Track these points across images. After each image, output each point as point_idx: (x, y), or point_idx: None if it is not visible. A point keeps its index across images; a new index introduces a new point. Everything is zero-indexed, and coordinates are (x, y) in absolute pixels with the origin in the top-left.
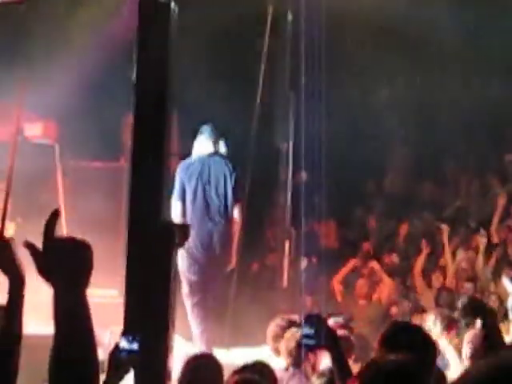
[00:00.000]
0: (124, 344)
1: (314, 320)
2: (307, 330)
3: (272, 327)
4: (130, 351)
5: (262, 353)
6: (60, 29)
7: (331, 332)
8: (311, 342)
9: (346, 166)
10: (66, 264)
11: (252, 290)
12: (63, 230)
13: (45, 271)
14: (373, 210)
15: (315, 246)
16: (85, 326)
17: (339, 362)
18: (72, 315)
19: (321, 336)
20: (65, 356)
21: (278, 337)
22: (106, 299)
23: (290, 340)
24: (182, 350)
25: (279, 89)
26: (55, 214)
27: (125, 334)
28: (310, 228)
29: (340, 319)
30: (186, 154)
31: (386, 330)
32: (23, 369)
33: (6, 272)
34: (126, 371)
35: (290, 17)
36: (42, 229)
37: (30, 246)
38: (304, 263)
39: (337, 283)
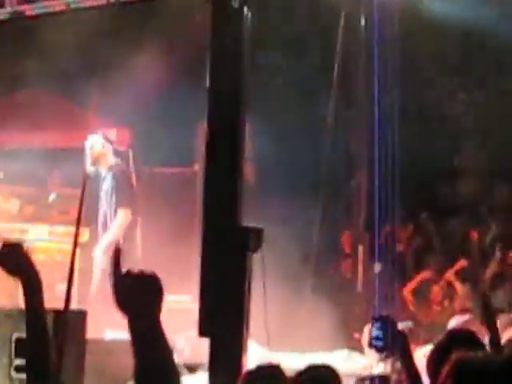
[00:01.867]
0: None
1: (383, 322)
2: (376, 332)
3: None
4: None
5: (336, 357)
6: (134, 37)
7: (401, 335)
8: (380, 343)
9: (421, 170)
10: (136, 299)
11: (327, 295)
12: (137, 236)
13: (117, 303)
14: (447, 215)
15: (390, 250)
16: (162, 354)
17: (408, 365)
18: (147, 345)
19: (389, 338)
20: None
21: None
22: (180, 305)
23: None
24: (256, 354)
25: (353, 92)
26: (118, 251)
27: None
28: (385, 232)
29: (408, 324)
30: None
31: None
32: (101, 374)
33: (16, 274)
34: None
35: (362, 21)
36: None
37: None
38: (378, 268)
39: (407, 293)
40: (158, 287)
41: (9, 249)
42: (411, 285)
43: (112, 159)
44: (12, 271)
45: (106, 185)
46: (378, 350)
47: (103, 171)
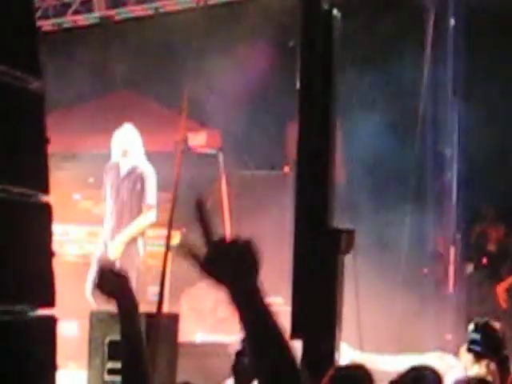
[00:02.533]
0: None
1: (482, 327)
2: (474, 336)
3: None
4: None
5: (428, 359)
6: (223, 39)
7: (497, 338)
8: (477, 348)
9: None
10: (234, 265)
11: (419, 297)
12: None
13: (212, 274)
14: None
15: (482, 251)
16: (269, 322)
17: (503, 371)
18: (250, 312)
19: (487, 343)
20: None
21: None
22: (272, 307)
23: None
24: (348, 356)
25: (442, 93)
26: (201, 207)
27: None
28: (477, 233)
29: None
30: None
31: None
32: (192, 377)
33: (114, 298)
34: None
35: (452, 21)
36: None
37: (191, 253)
38: (470, 269)
39: (502, 291)
40: (256, 254)
41: (108, 274)
42: (505, 283)
43: (141, 154)
44: (110, 295)
45: (132, 180)
46: (476, 353)
47: (129, 164)
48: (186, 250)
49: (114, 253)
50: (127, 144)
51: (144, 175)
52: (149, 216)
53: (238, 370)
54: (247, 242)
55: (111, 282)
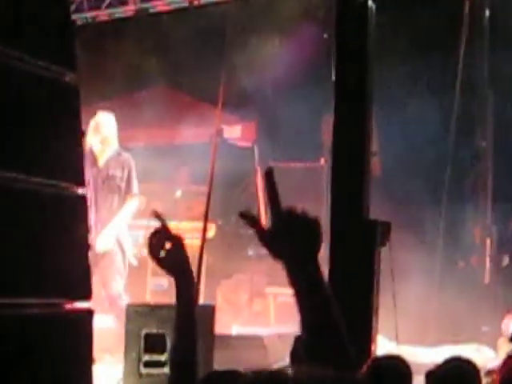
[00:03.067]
0: None
1: None
2: None
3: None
4: None
5: (465, 351)
6: (256, 30)
7: None
8: None
9: None
10: (297, 239)
11: (456, 288)
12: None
13: (273, 246)
14: None
15: None
16: (329, 301)
17: None
18: (312, 292)
19: None
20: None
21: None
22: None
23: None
24: (385, 348)
25: (478, 87)
26: (270, 175)
27: None
28: None
29: None
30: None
31: None
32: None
33: (173, 272)
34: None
35: (487, 12)
36: (240, 231)
37: (254, 220)
38: (506, 261)
39: None
40: (320, 233)
41: (173, 247)
42: None
43: (117, 144)
44: (170, 270)
45: (113, 167)
46: None
47: (107, 154)
48: (250, 216)
49: (104, 247)
50: (107, 131)
51: (128, 163)
52: (134, 204)
53: (295, 356)
54: (314, 218)
55: (175, 256)
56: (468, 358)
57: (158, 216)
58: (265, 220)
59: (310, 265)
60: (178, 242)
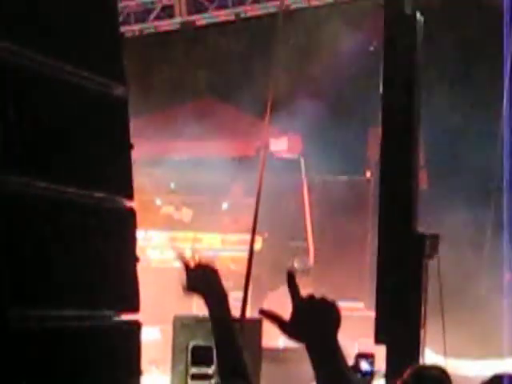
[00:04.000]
0: (364, 366)
1: None
2: None
3: None
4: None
5: (509, 364)
6: (303, 42)
7: None
8: None
9: None
10: (316, 324)
11: (503, 302)
12: (309, 245)
13: (295, 334)
14: None
15: None
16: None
17: None
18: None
19: None
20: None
21: None
22: (353, 312)
23: None
24: (432, 361)
25: None
26: (291, 276)
27: (362, 356)
28: None
29: None
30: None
31: None
32: (277, 382)
33: (205, 296)
34: None
35: None
36: (287, 243)
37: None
38: None
39: None
40: (337, 315)
41: (200, 272)
42: None
43: None
44: (200, 293)
45: None
46: None
47: None
48: (269, 314)
49: None
50: None
51: None
52: None
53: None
54: (330, 303)
55: (197, 278)
56: (436, 365)
57: (181, 257)
58: (311, 231)
59: (329, 349)
60: (206, 267)
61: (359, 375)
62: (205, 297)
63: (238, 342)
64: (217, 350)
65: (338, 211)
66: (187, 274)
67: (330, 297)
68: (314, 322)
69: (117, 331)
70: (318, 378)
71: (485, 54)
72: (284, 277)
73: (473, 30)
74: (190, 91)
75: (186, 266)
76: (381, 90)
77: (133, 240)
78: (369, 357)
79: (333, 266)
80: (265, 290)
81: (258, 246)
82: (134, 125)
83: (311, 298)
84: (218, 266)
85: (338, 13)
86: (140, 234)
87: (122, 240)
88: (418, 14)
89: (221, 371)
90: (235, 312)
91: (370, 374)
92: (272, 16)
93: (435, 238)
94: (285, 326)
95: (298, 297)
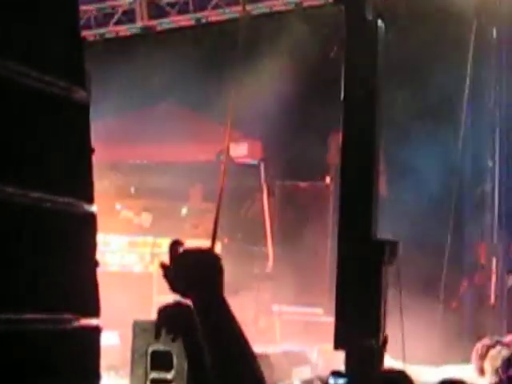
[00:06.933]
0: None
1: None
2: None
3: (478, 346)
4: None
5: (470, 370)
6: (265, 50)
7: None
8: None
9: None
10: (198, 275)
11: (460, 308)
12: (269, 250)
13: (176, 287)
14: None
15: None
16: (233, 336)
17: None
18: (216, 325)
19: None
20: (222, 372)
21: (483, 356)
22: (312, 317)
23: (495, 358)
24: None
25: (483, 105)
26: (173, 242)
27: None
28: None
29: None
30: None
31: None
32: None
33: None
34: None
35: (494, 33)
36: (246, 249)
37: (162, 266)
38: (511, 280)
39: None
40: (219, 263)
41: (177, 311)
42: None
43: None
44: (172, 329)
45: None
46: None
47: None
48: (163, 264)
49: None
50: None
51: None
52: None
53: None
54: (211, 252)
55: (175, 319)
56: (462, 379)
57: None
58: (270, 237)
59: (208, 300)
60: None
61: None
62: (184, 340)
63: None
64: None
65: (298, 216)
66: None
67: (291, 302)
68: (193, 274)
69: (76, 336)
70: (203, 328)
71: (446, 58)
72: (245, 282)
73: (435, 34)
74: (151, 96)
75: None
76: (342, 95)
77: (93, 244)
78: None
79: (293, 271)
80: (224, 294)
81: (217, 251)
82: (94, 129)
83: (187, 250)
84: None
85: (300, 19)
86: (100, 239)
87: (82, 244)
88: (380, 20)
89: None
90: None
91: None
92: (233, 21)
93: (394, 245)
94: (169, 282)
95: (174, 253)
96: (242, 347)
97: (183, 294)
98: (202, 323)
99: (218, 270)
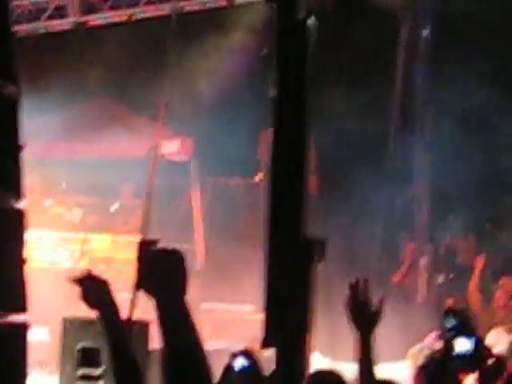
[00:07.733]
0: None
1: (455, 312)
2: (452, 322)
3: (415, 346)
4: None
5: (399, 368)
6: (196, 46)
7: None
8: (454, 333)
9: (487, 181)
10: (160, 275)
11: (389, 306)
12: (201, 246)
13: (142, 284)
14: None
15: (452, 261)
16: (189, 336)
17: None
18: (175, 326)
19: (466, 325)
20: (174, 368)
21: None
22: (244, 315)
23: (416, 356)
24: (320, 364)
25: (415, 104)
26: (141, 243)
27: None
28: (448, 243)
29: None
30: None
31: None
32: None
33: (97, 309)
34: None
35: (424, 33)
36: (177, 245)
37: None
38: (441, 279)
39: (474, 291)
40: (183, 263)
41: (93, 284)
42: (474, 281)
43: None
44: (93, 306)
45: None
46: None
47: None
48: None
49: None
50: None
51: None
52: None
53: None
54: (176, 251)
55: (93, 290)
56: (333, 369)
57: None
58: (201, 233)
59: (173, 295)
60: (97, 280)
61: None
62: (102, 313)
63: (130, 346)
64: (113, 353)
65: (230, 213)
66: (81, 288)
67: (221, 299)
68: (159, 268)
69: (4, 331)
70: (162, 328)
71: (380, 57)
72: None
73: (368, 33)
74: (84, 92)
75: (79, 282)
76: (271, 93)
77: (22, 240)
78: None
79: (224, 268)
80: None
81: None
82: (27, 125)
83: (155, 250)
84: (107, 267)
85: (232, 16)
86: (30, 235)
87: (10, 240)
88: (312, 18)
89: (117, 373)
90: (124, 313)
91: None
92: (166, 17)
93: (323, 243)
94: (136, 280)
95: (144, 252)
96: (197, 339)
97: (149, 292)
98: (161, 322)
99: (184, 270)
